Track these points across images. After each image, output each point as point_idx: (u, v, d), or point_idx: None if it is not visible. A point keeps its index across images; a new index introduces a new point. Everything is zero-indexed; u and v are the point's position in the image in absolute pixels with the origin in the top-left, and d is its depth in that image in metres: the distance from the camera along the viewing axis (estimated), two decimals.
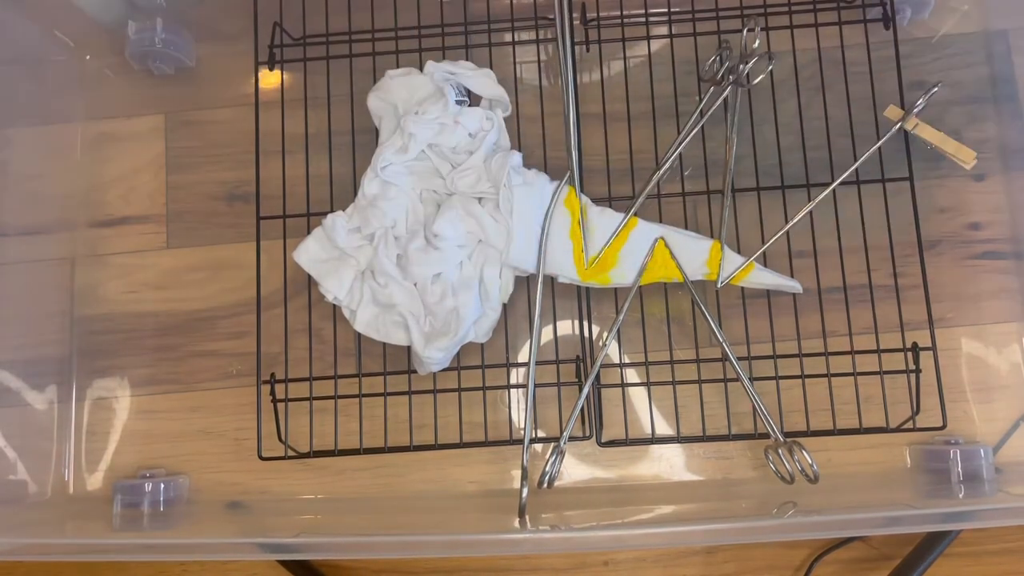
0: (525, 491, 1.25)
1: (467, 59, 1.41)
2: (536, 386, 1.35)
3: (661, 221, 1.37)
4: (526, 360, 1.37)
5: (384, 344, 1.36)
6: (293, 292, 1.40)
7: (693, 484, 1.37)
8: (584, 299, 1.38)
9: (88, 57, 1.52)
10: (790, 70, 1.41)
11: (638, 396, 1.38)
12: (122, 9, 1.49)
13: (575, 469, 1.37)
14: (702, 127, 1.38)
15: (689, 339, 1.38)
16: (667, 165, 1.36)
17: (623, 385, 1.38)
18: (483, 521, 1.36)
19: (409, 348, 1.33)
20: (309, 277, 1.37)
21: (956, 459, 1.31)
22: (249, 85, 1.49)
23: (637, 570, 1.37)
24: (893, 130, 1.33)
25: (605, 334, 1.39)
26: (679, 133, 1.39)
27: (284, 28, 1.44)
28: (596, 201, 1.36)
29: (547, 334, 1.40)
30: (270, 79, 1.48)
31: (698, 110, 1.37)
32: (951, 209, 1.42)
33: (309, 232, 1.36)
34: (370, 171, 1.35)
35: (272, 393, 1.36)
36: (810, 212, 1.35)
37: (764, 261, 1.35)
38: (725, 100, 1.38)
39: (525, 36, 1.45)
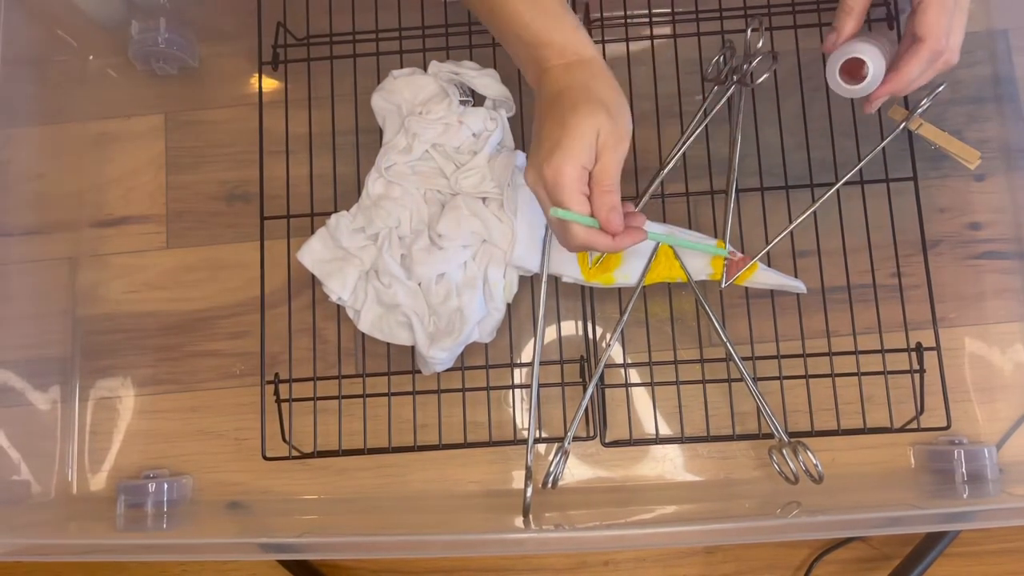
0: (529, 491, 1.25)
1: (471, 59, 1.41)
2: (540, 386, 1.35)
3: (665, 221, 1.37)
4: (530, 360, 1.37)
5: (388, 344, 1.36)
6: (294, 292, 1.40)
7: (696, 484, 1.37)
8: (588, 299, 1.38)
9: (91, 57, 1.52)
10: (793, 69, 1.41)
11: (642, 396, 1.38)
12: (123, 9, 1.49)
13: (579, 469, 1.37)
14: (706, 127, 1.38)
15: (693, 339, 1.38)
16: (671, 165, 1.37)
17: (627, 385, 1.38)
18: (486, 521, 1.36)
19: (413, 348, 1.33)
20: (312, 277, 1.37)
21: (960, 459, 1.31)
22: (252, 85, 1.49)
23: (637, 570, 1.37)
24: (898, 130, 1.33)
25: (609, 334, 1.39)
26: (683, 133, 1.39)
27: (287, 28, 1.44)
28: None
29: (551, 334, 1.40)
30: (273, 79, 1.48)
31: (702, 110, 1.38)
32: (951, 209, 1.42)
33: (312, 232, 1.36)
34: (374, 171, 1.35)
35: (276, 393, 1.36)
36: (813, 211, 1.35)
37: (768, 261, 1.36)
38: (729, 100, 1.38)
39: None
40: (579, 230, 1.15)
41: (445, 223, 1.31)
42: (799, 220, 1.34)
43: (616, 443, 1.36)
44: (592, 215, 1.14)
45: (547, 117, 1.16)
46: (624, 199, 1.35)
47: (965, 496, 1.28)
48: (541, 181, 1.14)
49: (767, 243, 1.35)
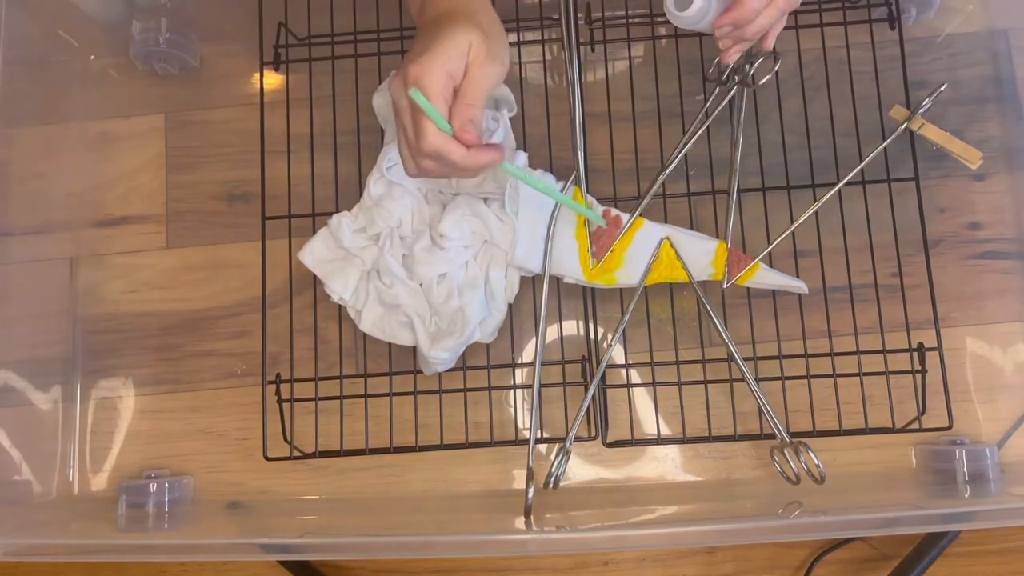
0: (531, 491, 1.25)
1: None
2: (541, 386, 1.35)
3: (666, 221, 1.37)
4: (531, 360, 1.37)
5: (389, 344, 1.36)
6: (295, 292, 1.41)
7: (698, 484, 1.37)
8: (589, 299, 1.38)
9: (92, 57, 1.52)
10: (795, 70, 1.41)
11: (643, 396, 1.38)
12: (124, 9, 1.49)
13: (580, 469, 1.37)
14: (707, 127, 1.38)
15: (694, 339, 1.38)
16: (672, 166, 1.36)
17: (628, 385, 1.38)
18: (487, 521, 1.36)
19: (414, 348, 1.33)
20: (312, 277, 1.37)
21: (962, 459, 1.31)
22: (253, 85, 1.49)
23: (638, 569, 1.37)
24: (899, 130, 1.34)
25: (610, 334, 1.39)
26: (684, 133, 1.39)
27: (289, 28, 1.44)
28: (602, 201, 1.36)
29: (552, 334, 1.40)
30: (274, 79, 1.48)
31: (703, 111, 1.37)
32: (951, 209, 1.42)
33: (314, 232, 1.37)
34: (375, 171, 1.35)
35: (277, 393, 1.36)
36: (815, 211, 1.35)
37: (770, 261, 1.36)
38: (730, 100, 1.38)
39: (530, 36, 1.45)
40: (432, 133, 1.10)
41: (447, 223, 1.31)
42: (800, 220, 1.34)
43: (618, 443, 1.36)
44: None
45: (422, 35, 1.16)
46: (626, 199, 1.37)
47: (967, 496, 1.28)
48: (404, 82, 1.11)
49: (769, 243, 1.35)
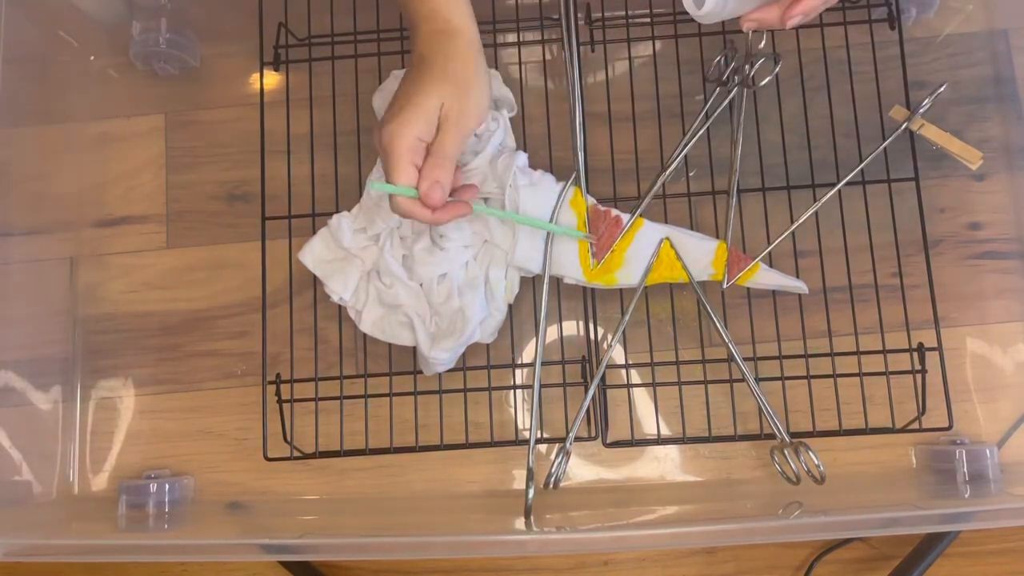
0: (531, 492, 1.25)
1: None
2: (541, 387, 1.35)
3: (666, 221, 1.37)
4: (531, 361, 1.37)
5: (389, 344, 1.36)
6: (295, 292, 1.41)
7: (698, 484, 1.37)
8: (589, 300, 1.38)
9: (92, 57, 1.52)
10: (795, 70, 1.41)
11: (643, 397, 1.38)
12: (124, 9, 1.49)
13: (580, 470, 1.37)
14: (707, 127, 1.38)
15: (694, 340, 1.38)
16: (673, 167, 1.36)
17: (628, 386, 1.38)
18: (487, 522, 1.36)
19: (415, 349, 1.33)
20: (312, 277, 1.37)
21: (962, 459, 1.31)
22: (253, 85, 1.49)
23: (637, 570, 1.37)
24: (899, 130, 1.34)
25: (610, 335, 1.39)
26: (684, 133, 1.39)
27: (289, 28, 1.44)
28: (602, 201, 1.36)
29: (552, 334, 1.40)
30: (274, 79, 1.48)
31: (704, 111, 1.37)
32: (951, 209, 1.42)
33: (314, 232, 1.37)
34: (375, 171, 1.35)
35: (278, 394, 1.36)
36: (815, 212, 1.35)
37: (770, 261, 1.35)
38: (730, 100, 1.38)
39: (530, 36, 1.45)
40: (400, 199, 1.16)
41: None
42: (800, 220, 1.34)
43: (618, 443, 1.36)
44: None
45: (404, 82, 1.20)
46: (626, 199, 1.37)
47: (967, 496, 1.28)
48: (380, 145, 1.17)
49: (769, 243, 1.35)
